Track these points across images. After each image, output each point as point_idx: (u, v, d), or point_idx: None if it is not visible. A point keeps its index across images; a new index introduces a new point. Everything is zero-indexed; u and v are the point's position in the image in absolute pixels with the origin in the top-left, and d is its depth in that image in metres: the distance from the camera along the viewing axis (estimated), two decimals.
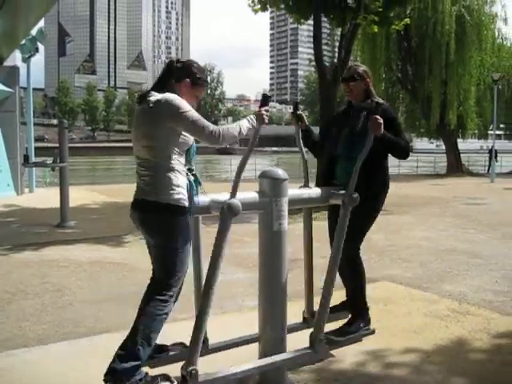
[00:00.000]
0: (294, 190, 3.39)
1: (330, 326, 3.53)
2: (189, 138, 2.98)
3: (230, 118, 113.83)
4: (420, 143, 56.66)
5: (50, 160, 10.18)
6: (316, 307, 3.39)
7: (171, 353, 3.19)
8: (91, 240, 8.25)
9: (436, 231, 9.32)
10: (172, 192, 2.86)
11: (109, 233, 8.80)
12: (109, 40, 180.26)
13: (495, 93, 23.80)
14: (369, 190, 3.49)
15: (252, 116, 3.06)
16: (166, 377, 2.92)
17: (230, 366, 2.94)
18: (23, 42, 14.97)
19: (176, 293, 2.98)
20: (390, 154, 3.74)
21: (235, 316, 4.49)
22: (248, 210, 3.05)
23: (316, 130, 4.09)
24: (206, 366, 2.88)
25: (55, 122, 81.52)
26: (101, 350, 3.58)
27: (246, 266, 6.43)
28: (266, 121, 3.03)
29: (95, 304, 5.02)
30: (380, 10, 11.89)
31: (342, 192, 3.34)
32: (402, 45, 25.63)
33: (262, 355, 3.15)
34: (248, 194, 3.09)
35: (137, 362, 2.78)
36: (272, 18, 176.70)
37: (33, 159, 14.46)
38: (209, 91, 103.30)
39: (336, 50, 14.87)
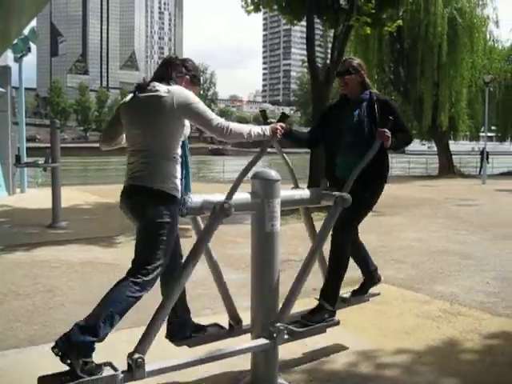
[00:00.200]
0: (286, 191, 3.40)
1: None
2: (187, 129, 3.03)
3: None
4: (412, 144, 56.80)
5: (41, 160, 10.14)
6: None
7: (209, 332, 3.32)
8: (83, 240, 8.22)
9: (428, 232, 9.35)
10: (167, 180, 2.86)
11: (100, 233, 8.78)
12: (101, 40, 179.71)
13: (487, 95, 23.93)
14: (363, 180, 3.46)
15: (267, 127, 3.17)
16: (109, 364, 2.76)
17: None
18: (15, 41, 14.88)
19: (152, 281, 2.87)
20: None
21: (227, 317, 4.49)
22: (240, 210, 3.06)
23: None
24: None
25: (47, 122, 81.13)
26: None
27: (238, 266, 6.43)
28: (279, 136, 3.21)
29: (86, 305, 4.96)
30: (373, 11, 11.92)
31: (335, 193, 3.35)
32: (395, 46, 25.71)
33: (253, 354, 3.16)
34: (240, 194, 3.09)
35: (93, 338, 2.67)
36: (265, 18, 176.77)
37: (24, 159, 14.42)
38: (202, 92, 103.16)
39: (329, 51, 14.88)
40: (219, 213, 2.84)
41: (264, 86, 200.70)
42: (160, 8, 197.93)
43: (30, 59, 20.02)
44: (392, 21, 13.45)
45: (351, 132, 3.65)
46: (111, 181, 18.37)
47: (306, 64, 14.84)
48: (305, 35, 12.89)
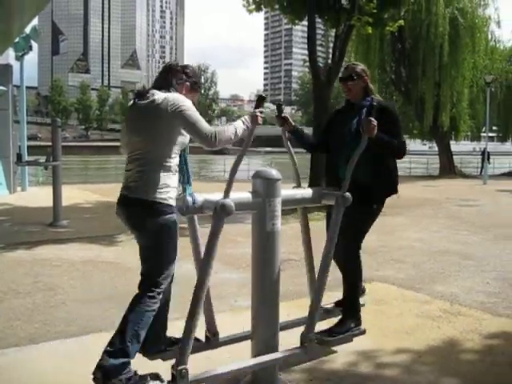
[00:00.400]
0: (287, 191, 3.39)
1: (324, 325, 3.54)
2: (185, 138, 3.01)
3: (223, 118, 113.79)
4: (413, 145, 56.81)
5: (42, 159, 10.15)
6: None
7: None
8: (84, 239, 8.23)
9: (429, 232, 9.35)
10: (161, 190, 2.87)
11: (101, 232, 8.78)
12: (103, 39, 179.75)
13: (488, 95, 23.91)
14: (371, 190, 3.50)
15: (246, 117, 3.10)
16: (155, 376, 2.90)
17: (220, 365, 2.95)
18: (17, 39, 14.90)
19: (165, 290, 2.98)
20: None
21: (228, 316, 4.49)
22: (241, 210, 3.05)
23: (310, 130, 4.11)
24: (200, 364, 2.88)
25: (48, 120, 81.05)
26: (93, 349, 3.55)
27: (239, 266, 6.44)
28: (260, 122, 3.08)
29: (87, 303, 5.00)
30: (374, 11, 11.92)
31: (335, 192, 3.35)
32: (396, 46, 25.71)
33: (255, 355, 3.16)
34: (241, 194, 3.09)
35: (126, 359, 2.78)
36: (266, 18, 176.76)
37: (26, 158, 14.41)
38: (203, 91, 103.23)
39: (330, 50, 14.89)
40: (220, 212, 2.84)
41: (265, 85, 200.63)
42: (161, 7, 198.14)
43: (32, 58, 20.05)
44: (393, 21, 13.45)
45: (351, 138, 3.65)
46: (112, 179, 18.37)
47: (308, 64, 14.83)
48: (306, 35, 12.89)
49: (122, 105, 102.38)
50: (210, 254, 2.82)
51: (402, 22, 14.10)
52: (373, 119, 3.33)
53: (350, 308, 3.68)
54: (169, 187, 2.91)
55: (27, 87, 20.05)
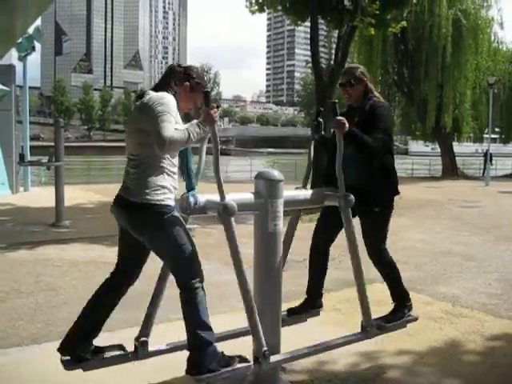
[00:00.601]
0: (289, 192, 3.40)
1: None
2: None
3: (226, 119, 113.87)
4: (415, 146, 56.78)
5: (45, 159, 10.15)
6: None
7: (108, 355, 3.10)
8: (86, 239, 8.24)
9: (431, 233, 9.35)
10: (157, 192, 2.86)
11: (104, 232, 8.77)
12: (105, 39, 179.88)
13: (491, 96, 23.87)
14: (369, 193, 3.56)
15: (200, 119, 2.88)
16: (242, 358, 2.96)
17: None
18: (20, 40, 14.93)
19: (197, 273, 2.94)
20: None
21: (229, 316, 4.49)
22: (243, 210, 3.06)
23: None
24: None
25: (51, 120, 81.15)
26: None
27: None
28: (217, 118, 2.91)
29: None
30: (377, 12, 11.92)
31: (337, 194, 3.35)
32: (399, 47, 25.68)
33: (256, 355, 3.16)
34: (244, 194, 3.10)
35: (210, 347, 2.83)
36: (269, 19, 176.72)
37: (28, 158, 14.43)
38: None
39: (333, 51, 14.88)
40: (223, 214, 2.85)
41: (268, 86, 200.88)
42: (164, 7, 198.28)
43: (35, 58, 20.09)
44: (396, 22, 13.46)
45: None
46: (114, 180, 18.33)
47: (310, 64, 14.84)
48: (309, 36, 12.89)
49: (125, 105, 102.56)
50: (238, 263, 2.95)
51: (404, 23, 14.12)
52: (342, 118, 3.35)
53: (399, 298, 3.88)
54: (164, 188, 2.89)
55: (30, 87, 20.05)
